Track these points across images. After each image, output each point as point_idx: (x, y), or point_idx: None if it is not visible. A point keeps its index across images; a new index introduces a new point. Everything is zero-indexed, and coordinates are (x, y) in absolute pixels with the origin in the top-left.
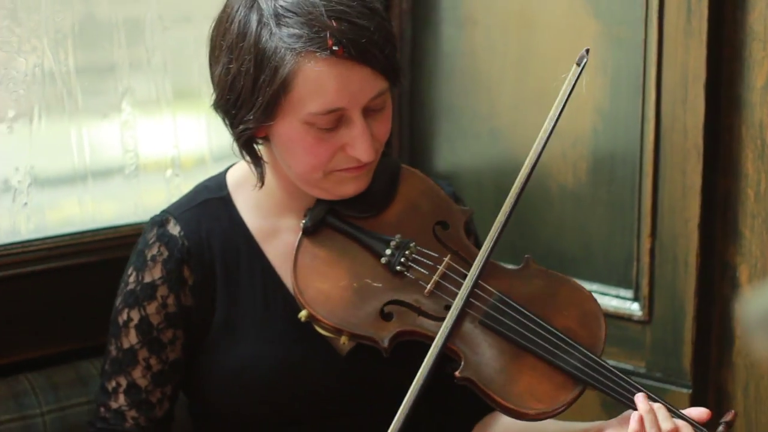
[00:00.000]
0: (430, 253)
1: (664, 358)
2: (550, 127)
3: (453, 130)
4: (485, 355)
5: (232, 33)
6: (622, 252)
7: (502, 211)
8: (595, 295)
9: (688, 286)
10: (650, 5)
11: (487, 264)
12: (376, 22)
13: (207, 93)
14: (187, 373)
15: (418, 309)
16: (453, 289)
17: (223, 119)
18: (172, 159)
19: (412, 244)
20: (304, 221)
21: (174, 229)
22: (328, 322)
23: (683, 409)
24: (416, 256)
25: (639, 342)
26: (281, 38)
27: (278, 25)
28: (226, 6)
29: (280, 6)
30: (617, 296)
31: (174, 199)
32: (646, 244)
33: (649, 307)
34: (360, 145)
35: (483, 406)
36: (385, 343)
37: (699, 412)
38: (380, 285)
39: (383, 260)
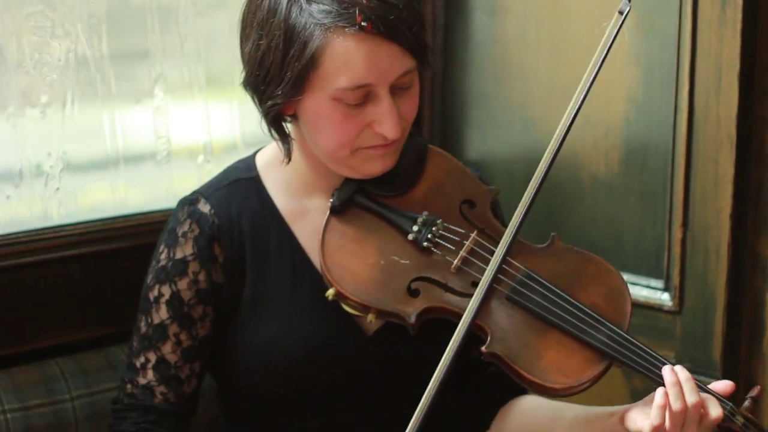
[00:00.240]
0: (457, 229)
1: (693, 349)
2: (591, 78)
3: (485, 118)
4: (511, 330)
5: (263, 9)
6: (653, 242)
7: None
8: None
9: (719, 277)
10: None
11: (514, 240)
12: (405, 1)
13: (239, 79)
14: (216, 352)
15: (445, 285)
16: (480, 265)
17: (252, 97)
18: (204, 145)
19: (438, 221)
20: (331, 200)
21: (204, 207)
22: (355, 299)
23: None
24: (443, 233)
25: (669, 332)
26: (311, 14)
27: (308, 1)
28: None
29: None
30: (648, 286)
31: None
32: (677, 234)
33: (680, 297)
34: (387, 122)
35: (509, 389)
36: (412, 320)
37: (724, 385)
38: (407, 262)
39: (410, 237)
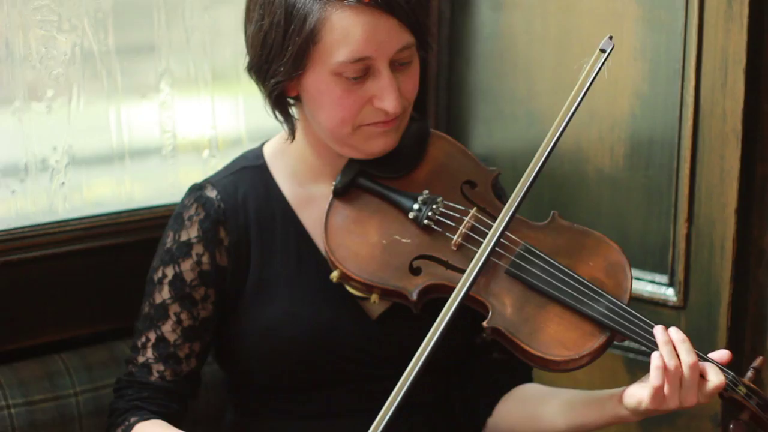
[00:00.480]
0: (457, 206)
1: (698, 344)
2: (570, 113)
3: (490, 112)
4: (512, 304)
5: None
6: (658, 237)
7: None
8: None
9: (724, 272)
10: None
11: (514, 214)
12: None
13: (245, 74)
14: (221, 336)
15: (446, 263)
16: (481, 240)
17: (257, 81)
18: (210, 140)
19: (439, 199)
20: (334, 183)
21: (211, 192)
22: (358, 278)
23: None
24: (444, 210)
25: None
26: None
27: None
28: None
29: None
30: (652, 281)
31: None
32: (682, 229)
33: (685, 292)
34: (387, 95)
35: (511, 377)
36: (414, 296)
37: (721, 354)
38: (409, 241)
39: (411, 215)
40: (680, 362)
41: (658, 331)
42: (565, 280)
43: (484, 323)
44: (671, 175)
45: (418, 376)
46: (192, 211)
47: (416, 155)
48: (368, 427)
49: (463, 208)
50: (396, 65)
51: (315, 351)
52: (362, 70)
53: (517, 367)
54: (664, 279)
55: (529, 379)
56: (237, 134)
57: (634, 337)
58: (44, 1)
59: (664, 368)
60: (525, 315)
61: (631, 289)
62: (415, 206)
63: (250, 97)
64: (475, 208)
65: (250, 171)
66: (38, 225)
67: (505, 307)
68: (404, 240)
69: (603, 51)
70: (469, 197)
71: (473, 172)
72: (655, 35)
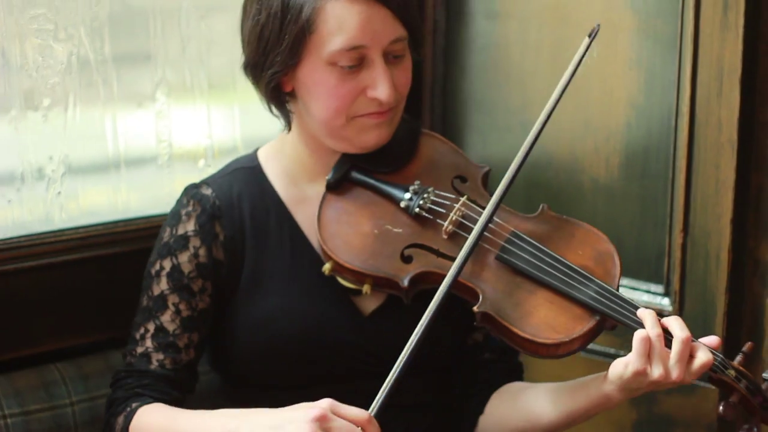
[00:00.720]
0: (447, 195)
1: None
2: (557, 96)
3: (485, 123)
4: (502, 290)
5: None
6: (653, 247)
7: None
8: (625, 290)
9: (720, 283)
10: None
11: (503, 198)
12: None
13: (241, 84)
14: (215, 335)
15: (437, 251)
16: (471, 227)
17: (253, 80)
18: (205, 149)
19: (430, 189)
20: (327, 178)
21: (206, 190)
22: (350, 267)
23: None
24: (435, 199)
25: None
26: None
27: None
28: None
29: None
30: (648, 291)
31: None
32: (677, 239)
33: (680, 302)
34: (381, 84)
35: (502, 375)
36: (405, 283)
37: (711, 339)
38: (400, 230)
39: (402, 204)
40: (661, 329)
41: (641, 309)
42: (555, 264)
43: (474, 308)
44: (666, 185)
45: (409, 362)
46: (189, 207)
47: (408, 151)
48: None
49: (453, 196)
50: (390, 58)
51: (307, 345)
52: (357, 59)
53: (507, 366)
54: (660, 289)
55: (518, 377)
56: (233, 143)
57: (624, 320)
58: (41, 10)
59: (650, 342)
60: (515, 300)
61: (620, 277)
62: (407, 195)
63: (245, 107)
64: (465, 196)
65: (244, 171)
66: (34, 234)
67: (495, 293)
68: (396, 229)
69: (589, 36)
70: (460, 190)
71: (464, 168)
72: (651, 45)
